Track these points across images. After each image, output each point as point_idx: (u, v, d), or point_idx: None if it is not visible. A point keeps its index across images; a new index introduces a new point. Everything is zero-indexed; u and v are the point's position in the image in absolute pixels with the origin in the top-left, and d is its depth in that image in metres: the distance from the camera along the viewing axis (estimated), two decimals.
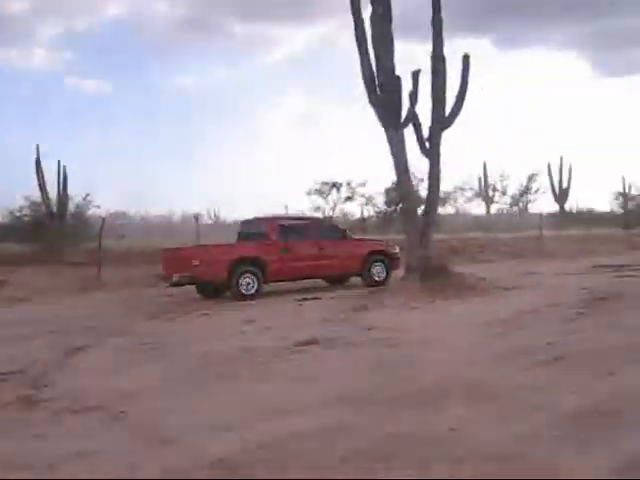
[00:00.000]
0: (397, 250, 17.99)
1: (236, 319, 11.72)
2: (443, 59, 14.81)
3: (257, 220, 17.86)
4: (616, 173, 58.11)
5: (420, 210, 16.67)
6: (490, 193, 43.65)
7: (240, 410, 5.78)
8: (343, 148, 56.18)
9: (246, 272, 15.68)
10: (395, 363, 7.48)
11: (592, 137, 72.96)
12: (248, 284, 15.63)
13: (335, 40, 73.29)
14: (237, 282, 15.52)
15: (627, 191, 43.15)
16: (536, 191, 43.29)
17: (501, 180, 43.50)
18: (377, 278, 17.32)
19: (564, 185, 43.19)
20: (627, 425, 4.90)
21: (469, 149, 63.51)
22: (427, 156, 14.70)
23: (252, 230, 17.39)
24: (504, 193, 43.50)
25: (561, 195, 43.02)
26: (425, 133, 14.79)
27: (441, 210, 44.00)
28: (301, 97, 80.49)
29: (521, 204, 43.36)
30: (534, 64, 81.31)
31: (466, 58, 15.01)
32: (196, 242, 20.73)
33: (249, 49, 76.37)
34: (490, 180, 43.41)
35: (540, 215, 33.04)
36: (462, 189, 44.20)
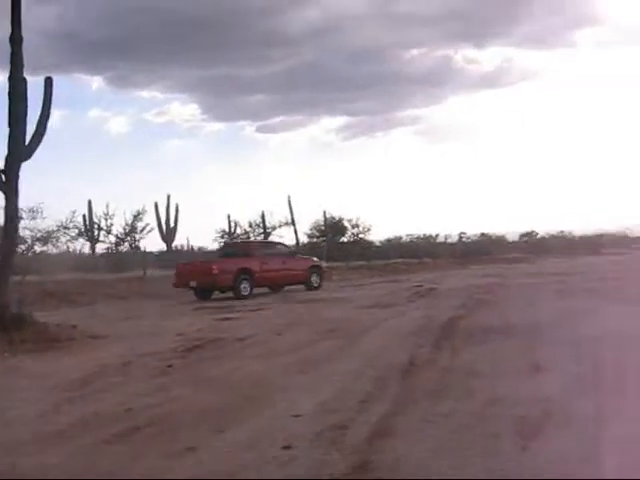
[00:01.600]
0: (325, 264, 28.08)
1: None
2: (24, 81, 13.01)
3: (239, 243, 31.31)
4: (222, 212, 60.00)
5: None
6: (95, 232, 41.84)
7: None
8: None
9: (243, 279, 21.98)
10: None
11: (200, 179, 75.51)
12: (244, 287, 21.93)
13: None
14: (238, 286, 21.84)
15: (232, 229, 44.59)
16: (142, 230, 42.47)
17: (106, 218, 41.95)
18: (315, 285, 24.91)
19: (171, 224, 43.02)
20: None
21: (76, 186, 61.30)
22: (3, 191, 12.67)
23: (236, 250, 25.62)
24: (109, 232, 41.97)
25: (168, 234, 42.76)
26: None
27: (43, 249, 41.22)
28: None
29: (128, 243, 42.19)
30: (150, 105, 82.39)
31: (48, 80, 13.28)
32: None
33: None
34: (95, 219, 41.61)
35: (144, 254, 32.25)
36: (66, 227, 41.85)
